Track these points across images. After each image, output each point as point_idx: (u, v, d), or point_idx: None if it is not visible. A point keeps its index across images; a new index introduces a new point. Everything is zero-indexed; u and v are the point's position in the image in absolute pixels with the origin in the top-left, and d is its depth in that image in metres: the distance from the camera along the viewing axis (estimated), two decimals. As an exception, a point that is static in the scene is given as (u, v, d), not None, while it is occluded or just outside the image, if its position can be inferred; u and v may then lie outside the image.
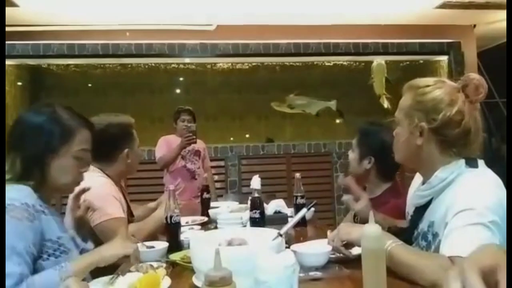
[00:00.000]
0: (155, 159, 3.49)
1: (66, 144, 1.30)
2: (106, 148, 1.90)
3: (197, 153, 3.57)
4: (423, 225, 1.25)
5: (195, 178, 3.50)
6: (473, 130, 1.20)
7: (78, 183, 1.42)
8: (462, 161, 1.19)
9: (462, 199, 1.10)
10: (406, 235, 1.30)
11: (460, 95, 1.20)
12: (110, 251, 1.24)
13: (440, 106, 1.19)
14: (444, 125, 1.19)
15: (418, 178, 1.40)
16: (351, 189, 1.59)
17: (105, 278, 1.17)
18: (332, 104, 5.10)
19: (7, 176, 1.23)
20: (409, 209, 1.37)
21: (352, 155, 1.92)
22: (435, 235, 1.18)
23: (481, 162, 1.21)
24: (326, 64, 5.30)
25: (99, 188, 1.80)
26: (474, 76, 1.21)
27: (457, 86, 1.22)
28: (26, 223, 1.14)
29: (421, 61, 5.32)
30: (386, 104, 5.07)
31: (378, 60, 5.06)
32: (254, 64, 5.30)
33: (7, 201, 1.14)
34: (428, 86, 1.23)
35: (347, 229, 1.30)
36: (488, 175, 1.18)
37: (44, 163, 1.27)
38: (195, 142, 3.34)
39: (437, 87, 1.22)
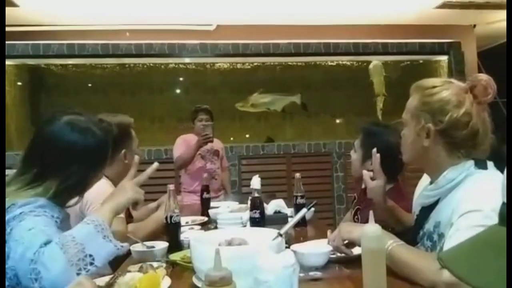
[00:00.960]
0: (173, 158, 3.43)
1: (106, 158, 1.31)
2: None
3: (216, 152, 3.55)
4: (429, 225, 1.23)
5: (215, 178, 3.47)
6: (481, 132, 1.18)
7: None
8: (471, 162, 1.17)
9: (470, 200, 1.08)
10: (411, 235, 1.29)
11: (467, 96, 1.18)
12: (123, 196, 1.18)
13: (446, 107, 1.17)
14: (451, 126, 1.17)
15: (426, 177, 1.38)
16: (374, 167, 1.54)
17: (105, 278, 1.17)
18: (296, 98, 5.08)
19: (32, 192, 1.12)
20: (416, 209, 1.36)
21: (355, 156, 1.90)
22: (441, 236, 1.17)
23: (490, 164, 1.19)
24: (326, 64, 5.29)
25: (98, 189, 1.79)
26: (482, 76, 1.19)
27: (465, 87, 1.20)
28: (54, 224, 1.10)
29: (421, 61, 5.32)
30: (380, 105, 5.05)
31: (375, 62, 5.04)
32: (254, 64, 5.30)
33: (30, 207, 1.07)
34: (435, 87, 1.21)
35: (348, 228, 1.30)
36: (497, 177, 1.14)
37: (86, 185, 1.24)
38: (212, 141, 3.28)
39: (444, 88, 1.20)
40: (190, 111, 3.60)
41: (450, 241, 1.08)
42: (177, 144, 3.46)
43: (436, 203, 1.22)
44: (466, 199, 1.09)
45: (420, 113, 1.22)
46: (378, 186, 1.51)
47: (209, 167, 3.45)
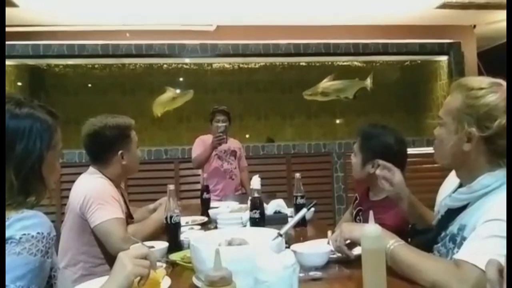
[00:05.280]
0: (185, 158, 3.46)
1: (52, 143, 1.12)
2: (100, 150, 1.89)
3: (233, 153, 3.57)
4: (453, 227, 1.19)
5: (232, 178, 3.51)
6: None
7: None
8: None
9: (497, 209, 1.03)
10: (432, 234, 1.27)
11: None
12: (122, 273, 0.97)
13: (494, 113, 1.08)
14: (498, 134, 1.08)
15: (453, 177, 1.31)
16: (386, 165, 1.44)
17: (105, 279, 1.16)
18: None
19: (8, 201, 1.00)
20: (441, 209, 1.30)
21: (355, 159, 1.86)
22: (464, 239, 1.12)
23: None
24: (326, 64, 5.29)
25: (97, 188, 1.80)
26: None
27: None
28: (40, 259, 0.97)
29: (421, 61, 5.33)
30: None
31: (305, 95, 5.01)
32: (254, 64, 5.30)
33: (20, 231, 0.95)
34: (482, 88, 1.12)
35: (349, 227, 1.30)
36: None
37: (41, 171, 1.08)
38: (226, 142, 3.33)
39: (492, 91, 1.11)
40: (209, 112, 3.60)
41: (468, 244, 1.05)
42: (194, 145, 3.52)
43: (464, 206, 1.17)
44: (496, 207, 1.05)
45: (463, 116, 1.13)
46: (401, 179, 1.42)
47: (226, 167, 3.50)
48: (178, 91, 5.03)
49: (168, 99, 4.99)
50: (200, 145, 3.48)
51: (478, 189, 1.12)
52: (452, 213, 1.21)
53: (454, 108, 1.16)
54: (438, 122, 1.23)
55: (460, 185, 1.25)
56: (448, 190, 1.32)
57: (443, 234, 1.23)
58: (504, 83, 1.14)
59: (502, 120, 1.08)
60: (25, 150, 1.05)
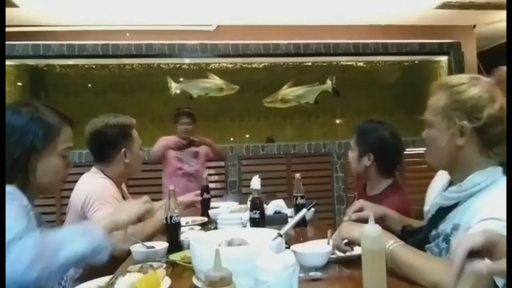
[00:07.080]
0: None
1: (52, 143, 1.22)
2: (103, 149, 1.91)
3: (195, 154, 3.54)
4: (444, 227, 1.19)
5: (191, 181, 3.46)
6: None
7: (63, 183, 1.34)
8: (499, 168, 1.14)
9: (491, 207, 1.04)
10: (423, 233, 1.27)
11: (498, 90, 1.14)
12: (127, 212, 1.20)
13: (481, 104, 1.13)
14: (489, 123, 1.13)
15: (440, 176, 1.33)
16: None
17: (105, 279, 1.17)
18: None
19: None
20: (431, 208, 1.30)
21: (352, 154, 1.94)
22: None
23: None
24: (326, 64, 5.29)
25: (99, 188, 1.81)
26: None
27: (493, 82, 1.16)
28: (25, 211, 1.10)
29: (421, 61, 5.32)
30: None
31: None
32: (254, 64, 5.30)
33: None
34: (463, 84, 1.17)
35: (348, 227, 1.30)
36: None
37: (27, 164, 1.18)
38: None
39: (472, 85, 1.16)
40: (173, 113, 3.63)
41: None
42: (156, 142, 3.55)
43: (455, 204, 1.19)
44: (488, 205, 1.06)
45: (452, 112, 1.17)
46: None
47: (186, 170, 3.47)
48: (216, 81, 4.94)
49: (215, 87, 4.86)
50: (160, 143, 3.52)
51: (469, 188, 1.14)
52: (443, 212, 1.22)
53: (441, 107, 1.20)
54: (426, 124, 1.26)
55: (450, 184, 1.26)
56: (437, 189, 1.34)
57: (434, 232, 1.23)
58: (482, 77, 1.19)
59: (490, 110, 1.12)
60: (15, 143, 1.16)
